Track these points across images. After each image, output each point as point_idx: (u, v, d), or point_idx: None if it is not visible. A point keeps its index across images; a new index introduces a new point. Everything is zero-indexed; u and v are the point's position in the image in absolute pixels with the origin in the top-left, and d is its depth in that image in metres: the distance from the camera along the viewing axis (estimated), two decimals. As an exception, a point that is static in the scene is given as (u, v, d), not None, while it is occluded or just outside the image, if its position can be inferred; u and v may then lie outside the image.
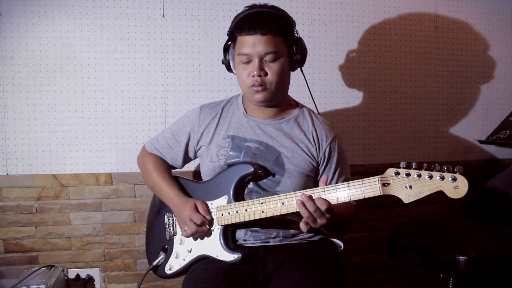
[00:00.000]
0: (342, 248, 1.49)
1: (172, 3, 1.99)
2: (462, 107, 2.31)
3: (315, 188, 1.21)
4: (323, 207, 1.17)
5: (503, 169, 2.36)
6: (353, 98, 2.18)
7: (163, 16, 1.99)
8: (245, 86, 1.36)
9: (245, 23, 1.30)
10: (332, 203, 1.18)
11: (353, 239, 2.21)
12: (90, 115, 1.97)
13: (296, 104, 1.50)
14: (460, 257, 1.43)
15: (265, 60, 1.31)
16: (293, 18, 1.40)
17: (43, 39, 1.92)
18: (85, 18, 1.94)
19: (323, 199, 1.18)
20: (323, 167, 1.41)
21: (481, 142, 2.13)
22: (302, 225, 1.21)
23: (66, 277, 1.97)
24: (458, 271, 1.43)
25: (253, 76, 1.31)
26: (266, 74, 1.32)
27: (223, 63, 1.44)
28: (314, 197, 1.19)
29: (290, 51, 1.36)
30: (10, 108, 1.92)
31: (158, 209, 1.53)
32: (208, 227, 1.36)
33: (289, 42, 1.35)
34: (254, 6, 1.37)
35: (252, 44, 1.29)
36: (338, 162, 1.42)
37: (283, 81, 1.36)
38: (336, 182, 1.41)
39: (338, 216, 1.30)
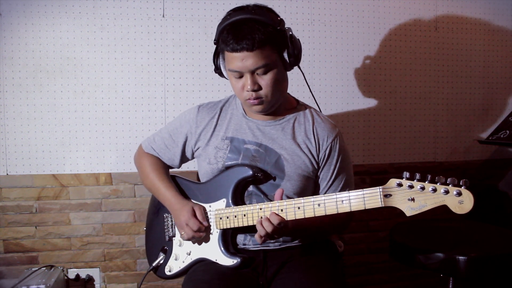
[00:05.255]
0: (342, 248, 1.48)
1: (172, 3, 1.99)
2: (462, 107, 2.31)
3: (314, 197, 1.20)
4: (275, 222, 1.18)
5: (503, 169, 2.36)
6: (353, 98, 2.18)
7: (163, 16, 1.99)
8: (241, 98, 1.33)
9: (229, 39, 1.23)
10: (331, 212, 1.17)
11: (353, 239, 2.21)
12: (90, 115, 1.97)
13: (297, 102, 1.46)
14: (460, 257, 1.42)
15: (257, 73, 1.26)
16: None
17: (43, 39, 1.92)
18: (85, 18, 1.94)
19: (276, 215, 1.20)
20: (322, 166, 1.38)
21: (481, 142, 2.12)
22: (257, 237, 1.23)
23: (66, 277, 1.97)
24: (458, 271, 1.43)
25: (247, 91, 1.27)
26: (260, 87, 1.27)
27: (215, 72, 1.39)
28: (268, 215, 1.21)
29: (282, 55, 1.30)
30: (10, 108, 1.92)
31: (157, 208, 1.52)
32: (204, 233, 1.34)
33: (279, 46, 1.28)
34: (237, 9, 1.29)
35: (240, 60, 1.23)
36: (337, 162, 1.38)
37: (279, 89, 1.31)
38: (333, 183, 1.39)
39: (306, 227, 1.30)
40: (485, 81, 2.32)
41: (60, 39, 1.93)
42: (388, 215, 2.22)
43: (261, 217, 1.22)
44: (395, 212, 2.21)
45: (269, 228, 1.19)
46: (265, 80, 1.27)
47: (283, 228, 1.20)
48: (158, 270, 1.48)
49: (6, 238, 1.95)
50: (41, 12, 1.91)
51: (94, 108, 1.97)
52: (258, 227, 1.21)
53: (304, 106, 1.45)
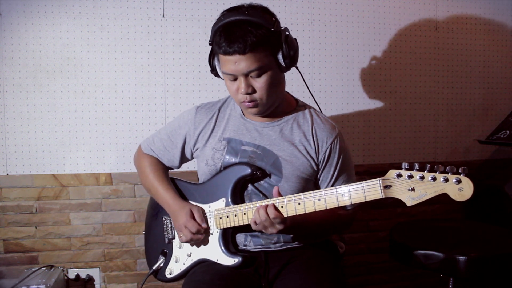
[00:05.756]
0: (343, 249, 1.48)
1: (172, 3, 1.99)
2: (462, 107, 2.31)
3: (314, 191, 1.19)
4: (272, 216, 1.18)
5: (503, 169, 2.36)
6: (353, 98, 2.18)
7: (163, 16, 1.99)
8: (236, 100, 1.31)
9: (222, 42, 1.21)
10: (332, 206, 1.17)
11: (353, 239, 2.21)
12: (90, 115, 1.97)
13: (296, 102, 1.44)
14: (460, 257, 1.42)
15: (250, 76, 1.24)
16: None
17: (43, 39, 1.92)
18: (85, 18, 1.94)
19: (275, 209, 1.19)
20: (322, 168, 1.36)
21: (481, 142, 2.12)
22: (251, 221, 1.23)
23: (66, 277, 1.97)
24: (458, 271, 1.43)
25: (241, 94, 1.26)
26: (254, 90, 1.25)
27: (211, 72, 1.37)
28: (268, 207, 1.20)
29: (277, 56, 1.26)
30: (10, 108, 1.92)
31: (156, 211, 1.52)
32: (203, 235, 1.34)
33: (273, 48, 1.25)
34: (230, 10, 1.27)
35: (233, 63, 1.21)
36: (338, 163, 1.36)
37: (274, 91, 1.28)
38: (334, 183, 1.37)
39: (309, 225, 1.29)
40: (485, 81, 2.32)
41: (60, 39, 1.93)
42: (388, 215, 2.22)
43: (260, 205, 1.21)
44: (395, 212, 2.22)
45: (263, 217, 1.18)
46: (259, 83, 1.25)
47: (280, 223, 1.19)
48: (159, 274, 1.46)
49: (6, 238, 1.95)
50: (41, 12, 1.91)
51: (94, 108, 1.97)
52: (255, 213, 1.21)
53: (304, 106, 1.43)
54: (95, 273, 2.02)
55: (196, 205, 1.39)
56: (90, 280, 2.02)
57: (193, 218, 1.33)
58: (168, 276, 1.44)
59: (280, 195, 1.23)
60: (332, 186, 1.37)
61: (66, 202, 1.98)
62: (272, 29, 1.23)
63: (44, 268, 1.93)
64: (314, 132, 1.36)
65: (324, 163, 1.36)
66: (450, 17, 2.25)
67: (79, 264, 2.01)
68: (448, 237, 1.63)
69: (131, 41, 1.98)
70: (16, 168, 1.93)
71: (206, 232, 1.36)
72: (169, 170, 1.54)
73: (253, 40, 1.18)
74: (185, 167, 1.71)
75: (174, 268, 1.43)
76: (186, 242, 1.36)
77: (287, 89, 1.42)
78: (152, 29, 1.99)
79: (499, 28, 2.31)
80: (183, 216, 1.34)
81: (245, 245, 1.37)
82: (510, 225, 2.10)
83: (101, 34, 1.96)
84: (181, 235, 1.35)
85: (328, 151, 1.35)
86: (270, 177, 1.33)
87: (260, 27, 1.21)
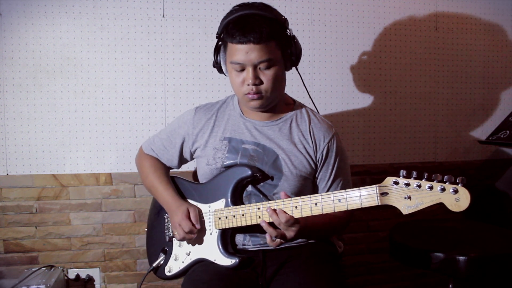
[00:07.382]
0: (342, 248, 1.48)
1: (172, 3, 1.99)
2: (462, 107, 2.31)
3: (312, 195, 1.19)
4: (283, 220, 1.17)
5: (503, 169, 2.36)
6: (353, 98, 2.18)
7: (163, 16, 1.99)
8: (240, 93, 1.33)
9: (235, 31, 1.24)
10: (328, 211, 1.17)
11: (353, 239, 2.21)
12: (90, 115, 1.97)
13: (293, 103, 1.46)
14: (460, 257, 1.42)
15: (259, 68, 1.27)
16: (288, 18, 1.32)
17: (43, 39, 1.92)
18: (85, 18, 1.94)
19: (285, 213, 1.18)
20: (320, 167, 1.37)
21: (481, 142, 2.13)
22: (268, 240, 1.21)
23: (66, 277, 1.97)
24: (458, 271, 1.43)
25: (248, 84, 1.28)
26: (261, 82, 1.28)
27: (214, 66, 1.40)
28: (277, 211, 1.19)
29: (284, 53, 1.31)
30: (10, 108, 1.91)
31: (158, 209, 1.53)
32: (196, 235, 1.35)
33: (283, 44, 1.30)
34: (243, 5, 1.30)
35: (245, 52, 1.24)
36: (335, 162, 1.38)
37: (278, 86, 1.33)
38: (332, 183, 1.39)
39: (315, 227, 1.29)
40: (485, 81, 2.32)
41: (60, 39, 1.93)
42: (388, 215, 2.22)
43: (265, 212, 1.20)
44: (395, 212, 2.20)
45: (276, 221, 1.17)
46: (266, 76, 1.28)
47: (294, 224, 1.18)
48: (158, 271, 1.48)
49: (6, 238, 1.95)
50: (41, 12, 1.91)
51: (94, 108, 1.97)
52: (267, 229, 1.19)
53: (301, 106, 1.46)
54: (95, 273, 2.02)
55: (193, 205, 1.40)
56: (90, 280, 2.02)
57: (189, 217, 1.35)
58: (167, 273, 1.45)
59: (287, 197, 1.22)
60: (330, 186, 1.39)
61: (66, 202, 1.98)
62: (284, 26, 1.31)
63: (44, 268, 1.93)
64: (311, 131, 1.39)
65: (322, 162, 1.37)
66: (450, 17, 2.25)
67: (79, 264, 2.01)
68: (448, 237, 1.63)
69: (131, 41, 1.98)
70: (16, 168, 1.93)
71: (201, 232, 1.37)
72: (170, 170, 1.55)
73: (268, 31, 1.24)
74: (185, 167, 1.71)
75: (173, 266, 1.43)
76: (180, 240, 1.38)
77: (286, 90, 1.43)
78: (152, 29, 1.99)
79: (499, 28, 2.31)
80: (179, 215, 1.35)
81: (243, 245, 1.37)
82: (510, 225, 2.10)
83: (101, 34, 1.96)
84: (176, 233, 1.36)
85: (325, 149, 1.37)
86: (272, 180, 1.34)
87: (274, 22, 1.27)
